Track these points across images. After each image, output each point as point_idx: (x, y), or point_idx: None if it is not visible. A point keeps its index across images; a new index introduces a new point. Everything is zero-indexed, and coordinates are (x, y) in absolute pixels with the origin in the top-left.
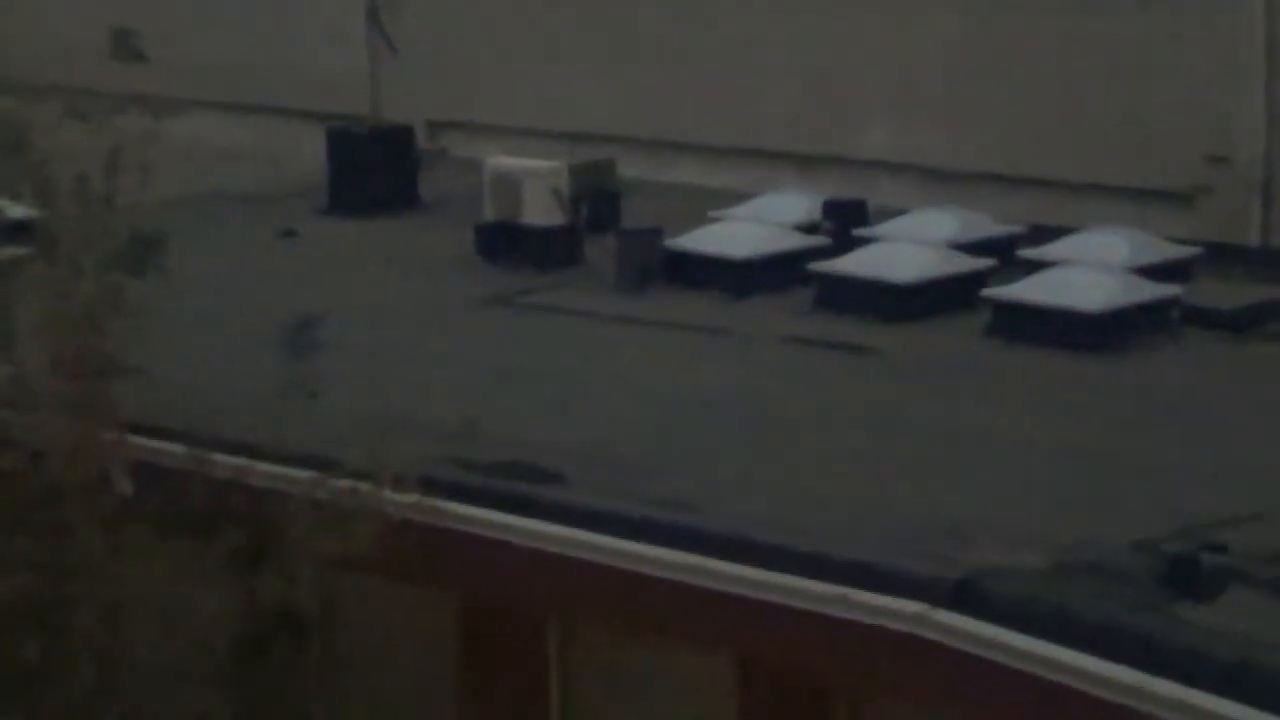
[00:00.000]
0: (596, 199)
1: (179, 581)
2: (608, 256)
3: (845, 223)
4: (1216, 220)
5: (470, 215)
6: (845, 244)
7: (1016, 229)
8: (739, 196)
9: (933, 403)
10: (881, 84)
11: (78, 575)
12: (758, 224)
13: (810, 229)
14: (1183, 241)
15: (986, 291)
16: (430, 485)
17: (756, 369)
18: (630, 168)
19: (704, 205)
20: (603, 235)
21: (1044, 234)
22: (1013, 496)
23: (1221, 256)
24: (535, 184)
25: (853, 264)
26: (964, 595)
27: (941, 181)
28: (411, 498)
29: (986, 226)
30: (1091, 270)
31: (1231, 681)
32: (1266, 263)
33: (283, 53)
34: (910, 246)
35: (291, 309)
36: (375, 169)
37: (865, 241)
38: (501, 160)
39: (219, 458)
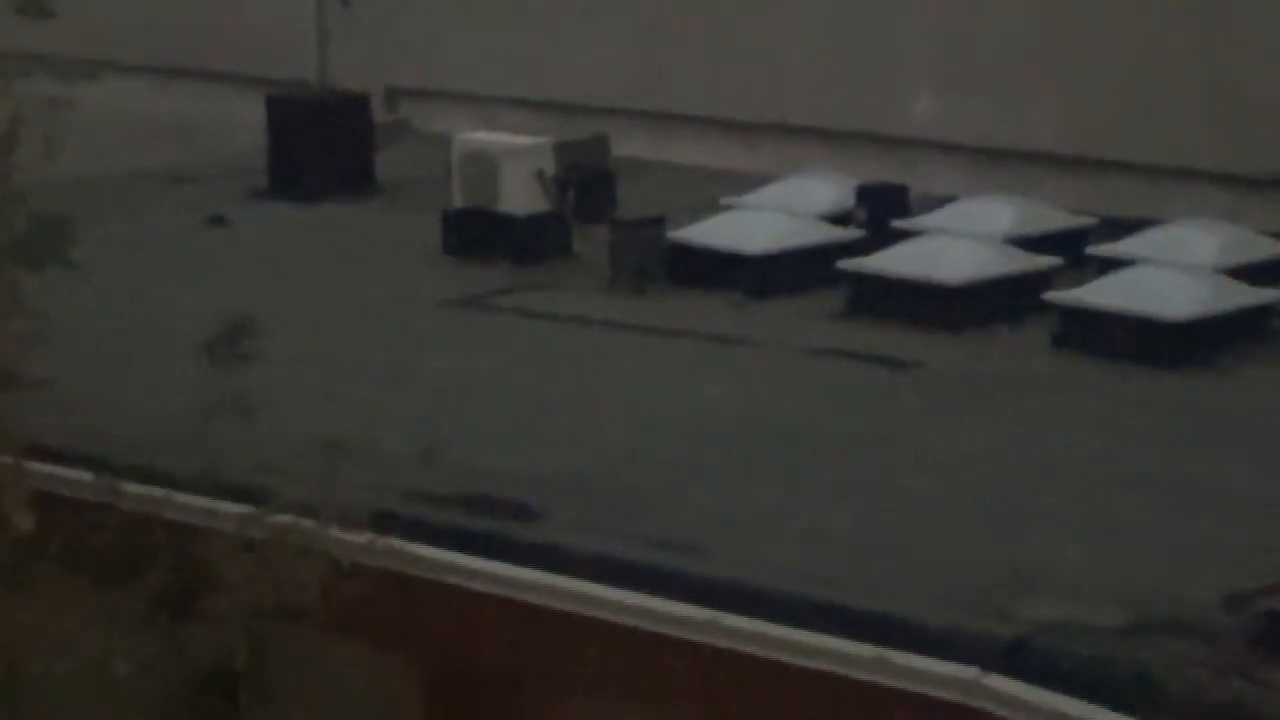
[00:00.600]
0: (587, 182)
1: (86, 634)
2: (600, 251)
3: (882, 212)
4: None
5: (436, 201)
6: (882, 237)
7: (1086, 221)
8: (756, 180)
9: (987, 427)
10: (927, 47)
11: None
12: (778, 213)
13: (841, 219)
14: None
15: (1050, 295)
16: (385, 522)
17: (775, 386)
18: (627, 145)
19: (714, 190)
20: (594, 226)
21: (1119, 227)
22: (1081, 538)
23: None
24: (514, 164)
25: (891, 261)
26: (1023, 657)
27: (997, 164)
28: (363, 537)
29: (1051, 218)
30: (1175, 271)
31: None
32: None
33: (214, 7)
34: (960, 241)
35: (222, 312)
36: (323, 145)
37: (906, 235)
38: (473, 136)
39: (134, 488)
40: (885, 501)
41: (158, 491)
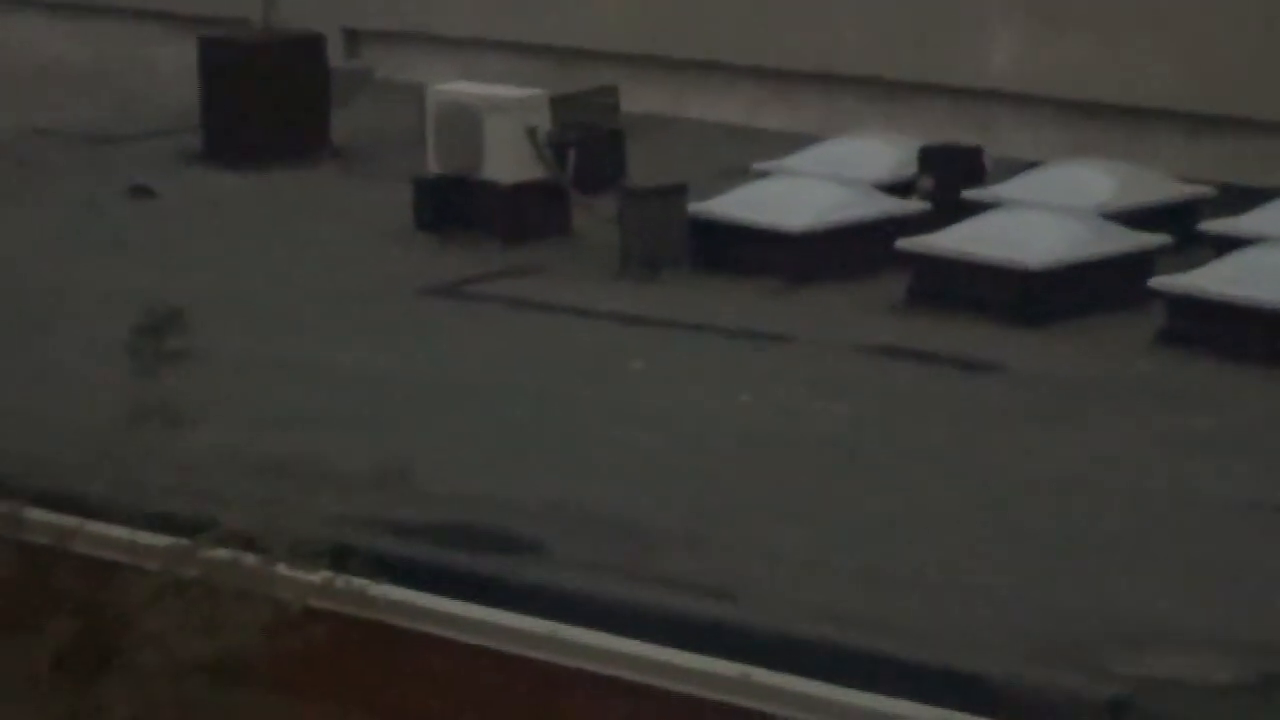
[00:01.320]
0: (590, 144)
1: None
2: (606, 228)
3: (952, 180)
4: None
5: (406, 167)
6: (951, 210)
7: (1200, 191)
8: (797, 141)
9: (1078, 445)
10: None
11: None
12: (824, 181)
13: (901, 189)
14: None
15: (1157, 281)
16: (345, 558)
17: (821, 393)
18: (640, 99)
19: (747, 153)
20: (599, 197)
21: (1241, 198)
22: (1191, 580)
23: None
24: (501, 122)
25: (962, 240)
26: (1124, 719)
27: (1092, 121)
28: (318, 576)
29: (1158, 187)
30: None
31: None
32: None
33: None
34: (1046, 216)
35: (147, 302)
36: (268, 98)
37: (980, 207)
38: (451, 87)
39: (37, 515)
40: (954, 535)
41: (66, 521)
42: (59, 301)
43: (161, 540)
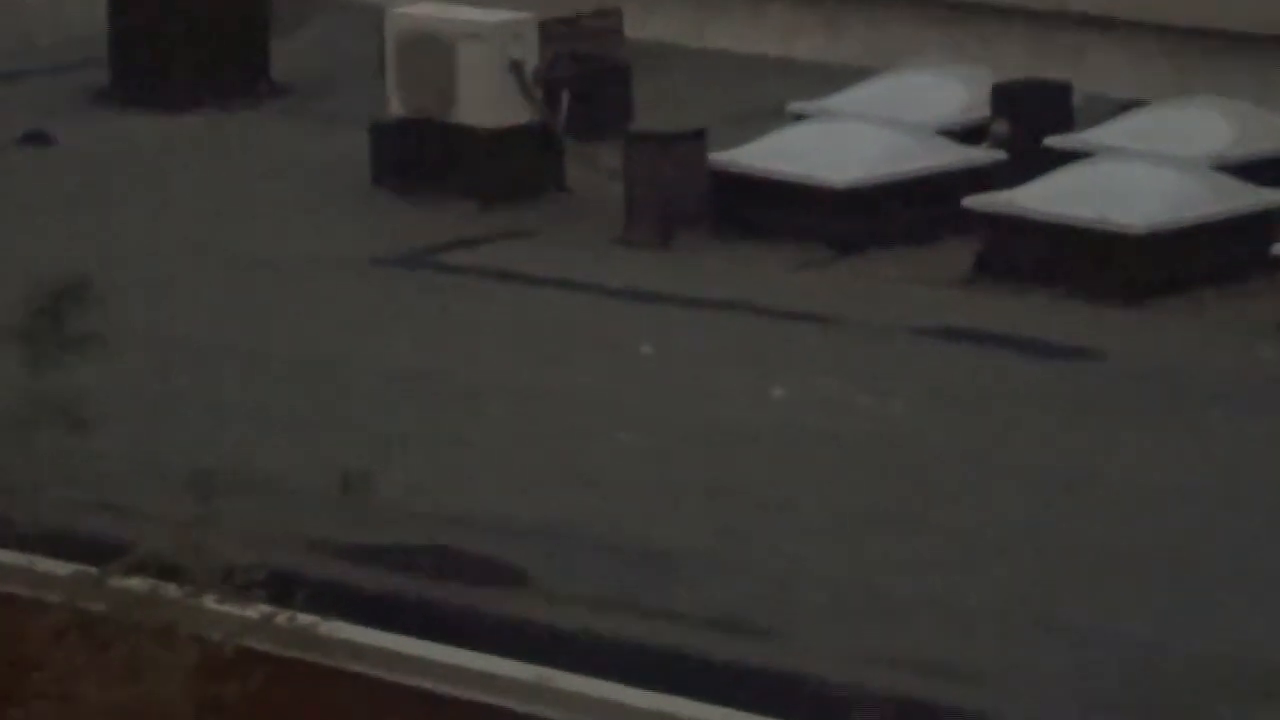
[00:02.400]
0: (588, 80)
1: None
2: (608, 183)
3: (1032, 124)
4: None
5: (362, 109)
6: (1031, 161)
7: None
8: (841, 76)
9: (1188, 449)
10: None
11: None
12: (875, 125)
13: (969, 134)
14: None
15: None
16: (288, 588)
17: (871, 386)
18: (649, 24)
19: (779, 92)
20: (600, 145)
21: None
22: None
23: None
24: (478, 52)
25: (1045, 198)
26: None
27: (1205, 53)
28: (257, 610)
29: None
30: None
31: None
32: None
33: None
34: (1147, 168)
35: (44, 275)
36: (192, 27)
37: (1067, 157)
38: (418, 10)
39: None
40: (1035, 560)
41: None
42: None
43: (64, 567)
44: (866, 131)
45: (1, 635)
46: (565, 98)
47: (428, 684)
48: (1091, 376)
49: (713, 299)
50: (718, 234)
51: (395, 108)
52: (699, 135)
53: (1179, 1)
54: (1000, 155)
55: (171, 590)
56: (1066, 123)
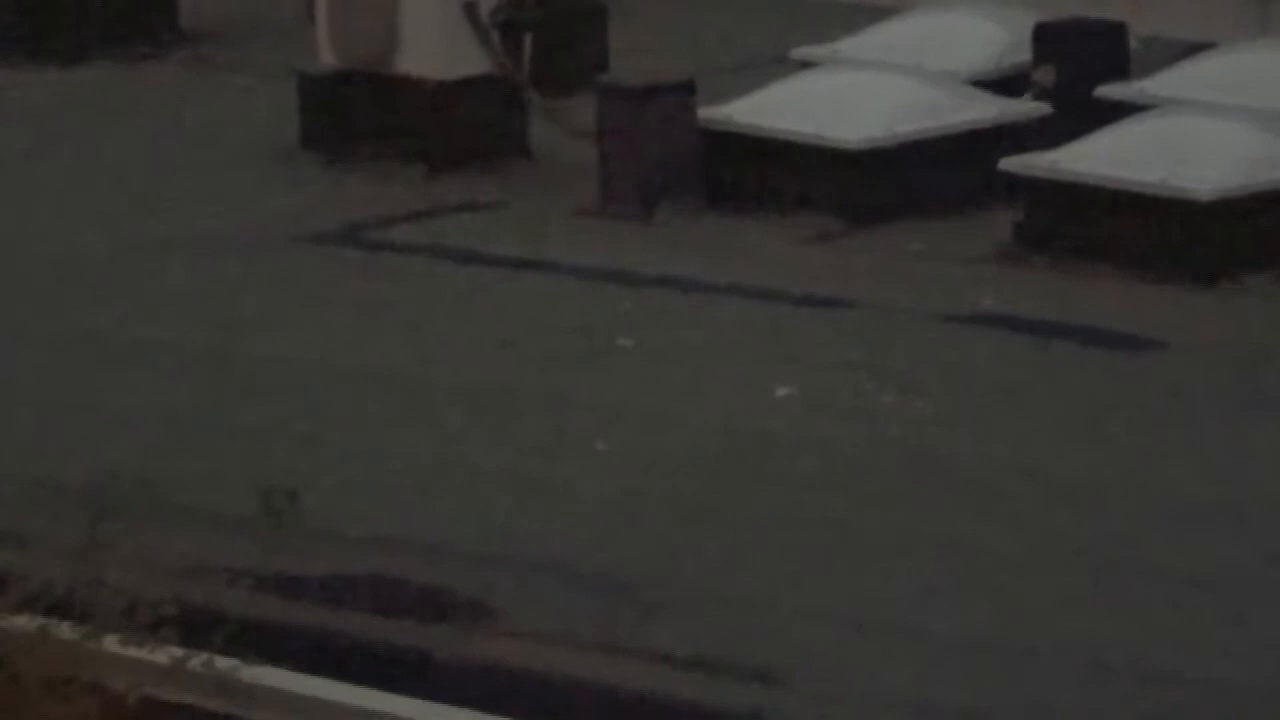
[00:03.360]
0: (556, 23)
1: None
2: (580, 145)
3: (1080, 72)
4: None
5: (286, 57)
6: (1080, 116)
7: None
8: (855, 15)
9: (1275, 453)
10: None
11: None
12: (896, 74)
13: (1007, 85)
14: None
15: None
16: (204, 628)
17: (893, 382)
18: None
19: (783, 34)
20: (568, 99)
21: None
22: None
23: None
24: None
25: (1098, 158)
26: None
27: None
28: (164, 654)
29: None
30: None
31: None
32: None
33: None
34: (1220, 122)
35: None
36: None
37: (1123, 110)
38: None
39: None
40: (1091, 586)
41: None
42: None
43: None
44: (886, 81)
45: None
46: (527, 44)
47: None
48: (1153, 369)
49: (705, 281)
50: (710, 204)
51: (327, 57)
52: (687, 87)
53: None
54: (1044, 108)
55: (65, 630)
56: (1121, 69)
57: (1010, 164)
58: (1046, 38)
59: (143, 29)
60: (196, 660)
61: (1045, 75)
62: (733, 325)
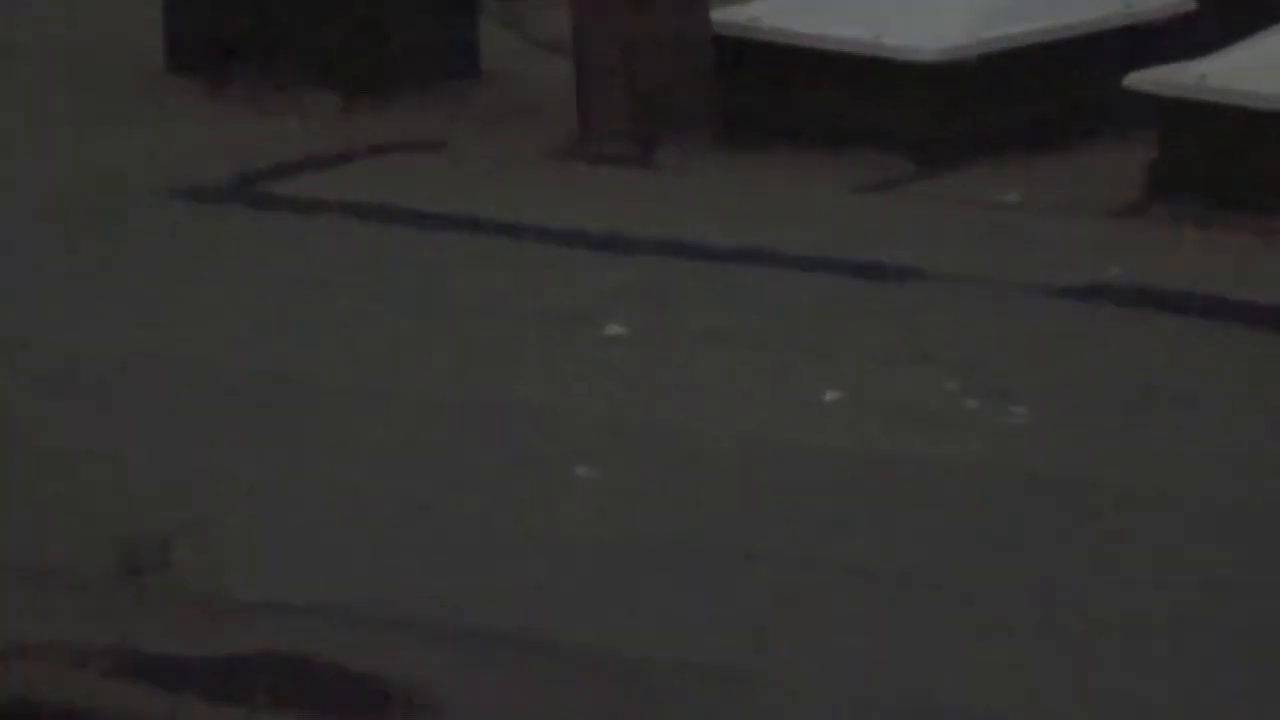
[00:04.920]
0: None
1: None
2: (549, 60)
3: None
4: None
5: None
6: (1234, 14)
7: None
8: None
9: None
10: None
11: None
12: None
13: None
14: None
15: None
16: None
17: (980, 381)
18: None
19: None
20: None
21: None
22: None
23: None
24: None
25: (1257, 73)
26: None
27: None
28: None
29: None
30: None
31: None
32: None
33: None
34: None
35: None
36: None
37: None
38: None
39: None
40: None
41: None
42: None
43: None
44: None
45: None
46: None
47: None
48: None
49: (721, 246)
50: (728, 141)
51: None
52: None
53: None
54: (1187, 3)
55: None
56: None
57: (1140, 80)
58: None
59: None
60: None
61: None
62: (760, 305)
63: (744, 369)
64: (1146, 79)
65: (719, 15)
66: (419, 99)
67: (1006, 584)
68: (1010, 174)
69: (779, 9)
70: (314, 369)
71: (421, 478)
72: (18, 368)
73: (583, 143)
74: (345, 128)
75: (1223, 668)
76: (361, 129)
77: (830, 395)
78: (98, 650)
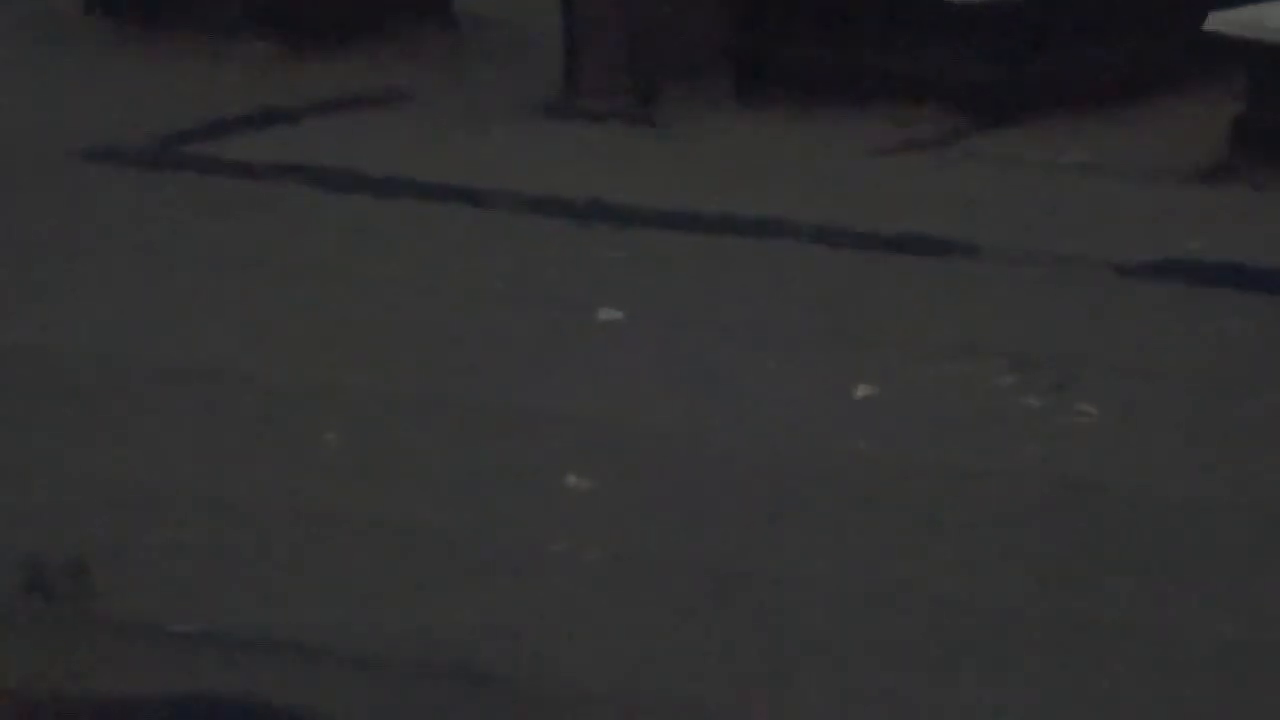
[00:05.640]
0: None
1: None
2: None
3: None
4: None
5: None
6: None
7: None
8: None
9: None
10: None
11: None
12: None
13: None
14: None
15: None
16: None
17: (1043, 379)
18: None
19: None
20: None
21: None
22: None
23: None
24: None
25: None
26: None
27: None
28: None
29: None
30: None
31: None
32: None
33: None
34: None
35: None
36: None
37: None
38: None
39: None
40: None
41: None
42: None
43: None
44: None
45: None
46: None
47: None
48: None
49: (736, 217)
50: (743, 94)
51: None
52: None
53: None
54: None
55: None
56: None
57: (1225, 21)
58: None
59: None
60: None
61: None
62: (779, 286)
63: (759, 361)
64: (1233, 20)
65: None
66: (378, 46)
67: (1076, 616)
68: (1075, 131)
69: None
70: (251, 363)
71: (380, 489)
72: None
73: (571, 97)
74: (290, 79)
75: None
76: (310, 81)
77: (861, 392)
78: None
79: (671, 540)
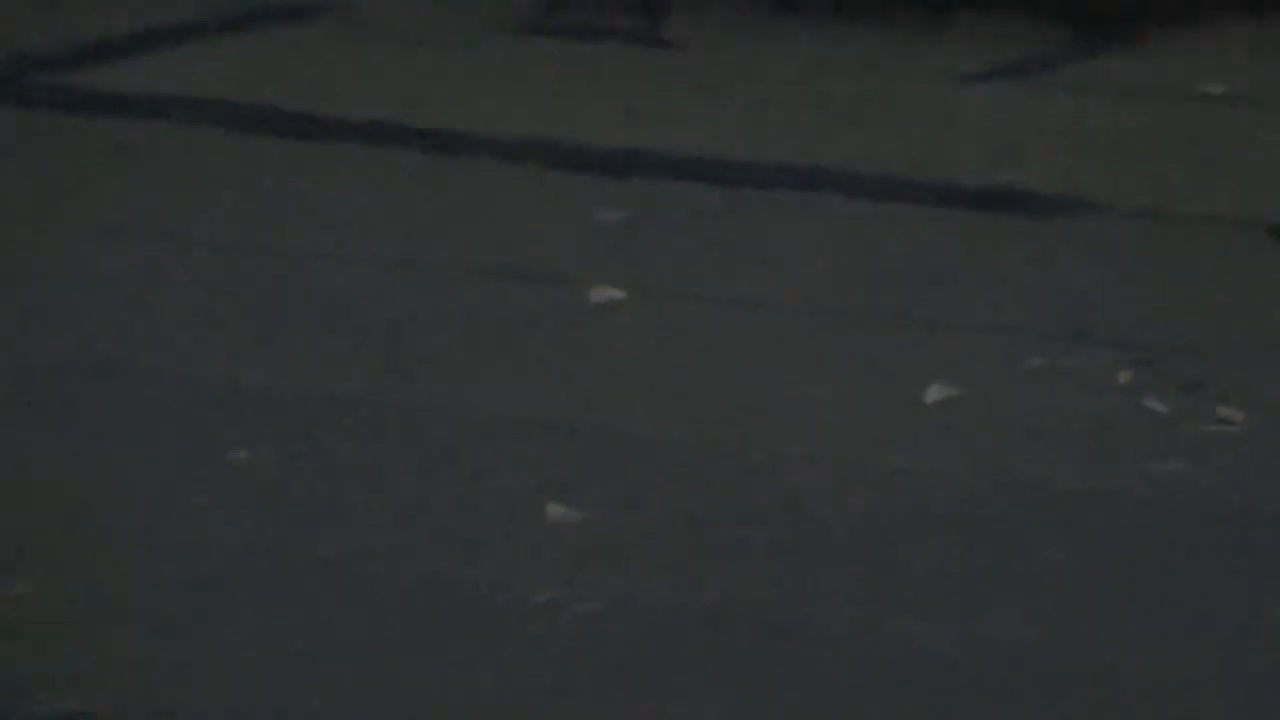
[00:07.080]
0: None
1: None
2: None
3: None
4: None
5: None
6: None
7: None
8: None
9: None
10: None
11: None
12: None
13: None
14: None
15: None
16: None
17: (1173, 376)
18: None
19: None
20: None
21: None
22: None
23: None
24: None
25: None
26: None
27: None
28: None
29: None
30: None
31: None
32: None
33: None
34: None
35: None
36: None
37: None
38: None
39: None
40: None
41: None
42: None
43: None
44: None
45: None
46: None
47: None
48: None
49: (759, 164)
50: (771, 6)
51: None
52: None
53: None
54: None
55: None
56: None
57: None
58: None
59: None
60: None
61: None
62: (823, 255)
63: (797, 352)
64: None
65: None
66: None
67: (1252, 681)
68: (1213, 52)
69: None
70: (125, 357)
71: (309, 523)
72: None
73: (553, 9)
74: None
75: None
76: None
77: (934, 394)
78: None
79: (681, 587)
